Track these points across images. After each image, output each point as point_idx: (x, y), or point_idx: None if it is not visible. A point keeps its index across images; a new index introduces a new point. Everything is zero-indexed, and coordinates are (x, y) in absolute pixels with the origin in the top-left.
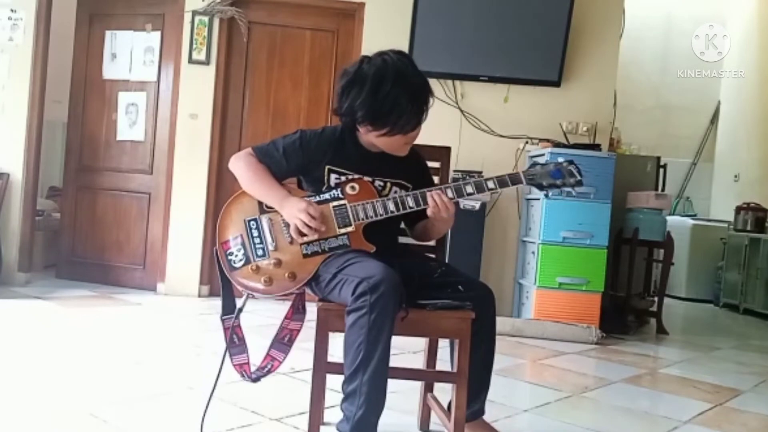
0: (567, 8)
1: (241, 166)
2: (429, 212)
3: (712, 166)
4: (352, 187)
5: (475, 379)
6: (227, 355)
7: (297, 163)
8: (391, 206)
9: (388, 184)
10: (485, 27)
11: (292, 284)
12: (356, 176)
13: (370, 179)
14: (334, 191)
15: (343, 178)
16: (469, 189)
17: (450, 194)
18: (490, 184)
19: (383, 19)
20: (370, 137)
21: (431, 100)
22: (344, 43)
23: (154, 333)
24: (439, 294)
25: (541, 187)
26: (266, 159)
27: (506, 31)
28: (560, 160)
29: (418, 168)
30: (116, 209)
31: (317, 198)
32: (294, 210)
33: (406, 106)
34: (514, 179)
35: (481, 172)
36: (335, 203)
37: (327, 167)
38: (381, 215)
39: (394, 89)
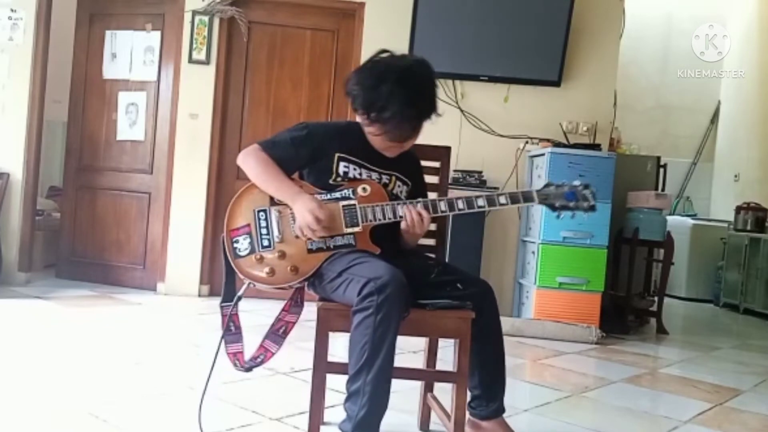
0: (567, 8)
1: (250, 161)
2: (402, 225)
3: (712, 166)
4: (364, 189)
5: (489, 376)
6: (222, 342)
7: (307, 152)
8: (401, 211)
9: (393, 178)
10: (485, 27)
11: (293, 277)
12: (367, 178)
13: (377, 177)
14: (345, 191)
15: (351, 167)
16: (480, 202)
17: (456, 206)
18: (502, 200)
19: (383, 19)
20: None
21: (428, 116)
22: (344, 43)
23: (154, 333)
24: (439, 293)
25: (552, 208)
26: (276, 151)
27: (506, 31)
28: (576, 183)
29: (414, 168)
30: (116, 209)
31: (328, 196)
32: (304, 209)
33: (397, 108)
34: (526, 197)
35: (481, 172)
36: (345, 203)
37: (336, 155)
38: (390, 219)
39: (393, 86)
